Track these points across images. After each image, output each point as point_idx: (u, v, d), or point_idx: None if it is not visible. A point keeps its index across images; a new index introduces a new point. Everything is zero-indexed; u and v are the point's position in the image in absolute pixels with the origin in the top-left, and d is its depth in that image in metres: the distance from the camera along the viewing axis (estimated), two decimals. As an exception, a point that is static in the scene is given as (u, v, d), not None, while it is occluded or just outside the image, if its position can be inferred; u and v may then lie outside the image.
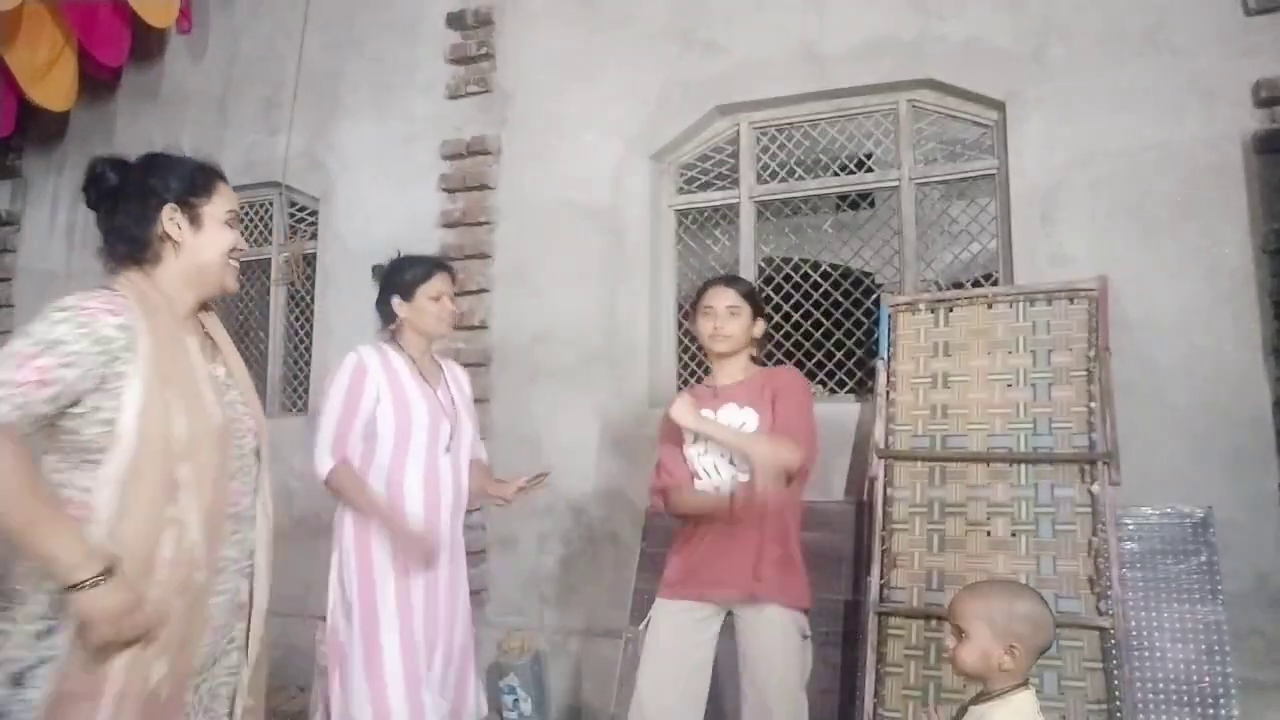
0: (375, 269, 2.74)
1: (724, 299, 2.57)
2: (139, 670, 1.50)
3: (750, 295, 2.62)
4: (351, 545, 2.50)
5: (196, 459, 1.57)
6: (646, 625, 2.55)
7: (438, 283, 2.65)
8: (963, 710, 1.79)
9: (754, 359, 2.66)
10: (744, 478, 2.44)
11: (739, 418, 2.51)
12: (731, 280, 2.68)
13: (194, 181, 1.74)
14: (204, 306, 1.79)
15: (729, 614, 2.48)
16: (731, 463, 2.50)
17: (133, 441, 1.51)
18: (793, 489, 2.48)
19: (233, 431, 1.69)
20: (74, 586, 1.41)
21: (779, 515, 2.43)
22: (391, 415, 2.52)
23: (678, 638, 2.47)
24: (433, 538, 2.48)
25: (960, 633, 1.72)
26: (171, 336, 1.63)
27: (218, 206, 1.74)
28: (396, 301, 2.64)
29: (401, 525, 2.46)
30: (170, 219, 1.69)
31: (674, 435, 2.60)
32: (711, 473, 2.53)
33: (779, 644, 2.39)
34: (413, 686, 2.40)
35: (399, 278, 2.65)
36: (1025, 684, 1.72)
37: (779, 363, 3.72)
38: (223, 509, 1.63)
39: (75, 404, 1.51)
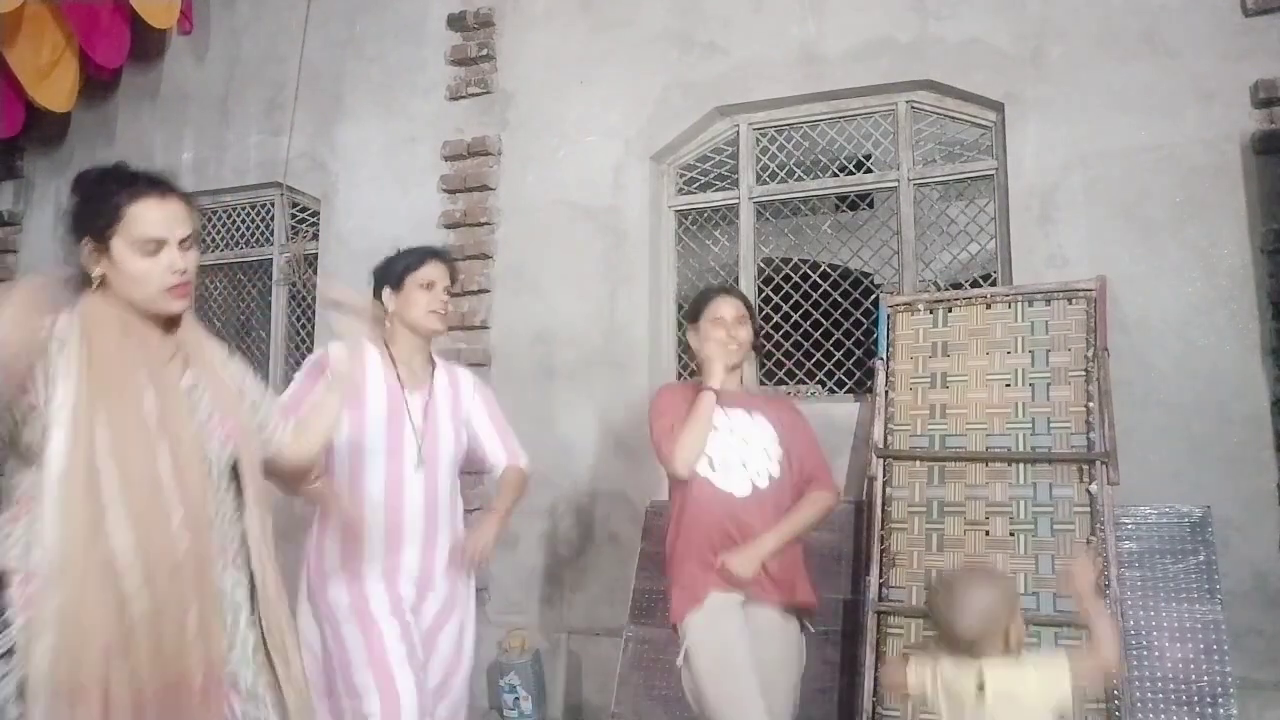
0: (373, 272, 2.57)
1: (734, 309, 2.57)
2: (115, 664, 1.47)
3: (751, 306, 2.66)
4: (314, 560, 2.35)
5: (124, 464, 1.52)
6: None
7: (430, 270, 2.46)
8: None
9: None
10: (761, 483, 2.42)
11: (754, 425, 2.49)
12: (735, 290, 2.71)
13: (95, 209, 1.60)
14: (176, 319, 1.70)
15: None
16: (745, 465, 2.43)
17: (62, 445, 1.49)
18: None
19: (188, 438, 1.62)
20: None
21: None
22: (345, 421, 2.27)
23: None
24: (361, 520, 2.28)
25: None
26: (113, 348, 1.57)
27: (127, 235, 1.58)
28: (387, 293, 2.45)
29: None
30: (88, 254, 1.60)
31: (676, 410, 2.50)
32: (723, 467, 2.42)
33: None
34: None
35: (391, 269, 2.49)
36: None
37: (778, 363, 3.74)
38: (160, 512, 1.55)
39: (20, 408, 1.50)
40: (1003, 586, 1.92)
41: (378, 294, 2.48)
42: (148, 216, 1.60)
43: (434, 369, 2.55)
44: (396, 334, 2.47)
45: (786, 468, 2.48)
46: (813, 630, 2.53)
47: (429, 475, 2.41)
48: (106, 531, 1.48)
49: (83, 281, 1.62)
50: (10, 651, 1.44)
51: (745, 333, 2.57)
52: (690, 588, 2.39)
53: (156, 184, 1.65)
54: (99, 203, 1.60)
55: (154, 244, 1.60)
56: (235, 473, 1.72)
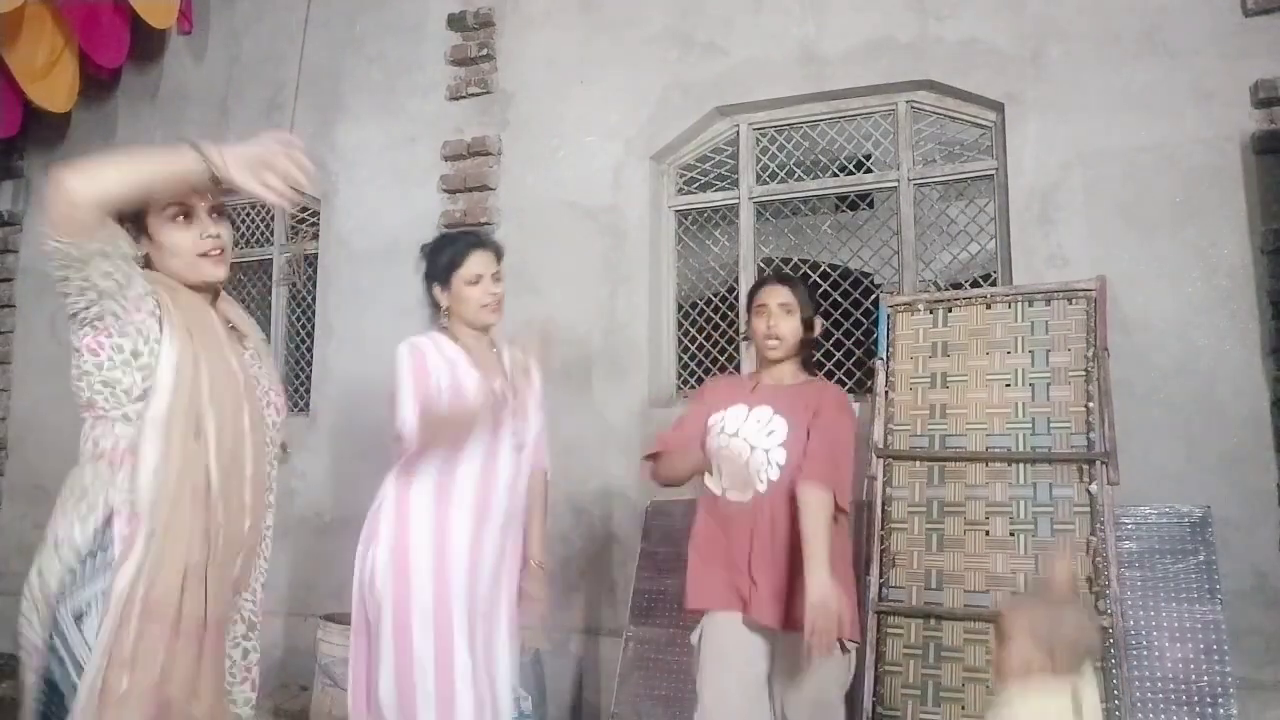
0: (422, 249, 2.52)
1: (777, 296, 2.48)
2: (181, 598, 1.60)
3: (804, 294, 2.52)
4: (391, 540, 2.30)
5: (220, 410, 1.68)
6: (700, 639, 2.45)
7: (474, 264, 2.40)
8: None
9: (805, 365, 2.56)
10: (760, 488, 2.37)
11: (769, 425, 2.42)
12: (785, 278, 2.58)
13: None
14: (216, 295, 1.85)
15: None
16: (747, 467, 2.38)
17: (169, 389, 1.64)
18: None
19: (258, 402, 1.78)
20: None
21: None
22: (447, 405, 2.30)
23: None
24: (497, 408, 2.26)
25: (1004, 639, 1.77)
26: (194, 305, 1.74)
27: (157, 206, 1.73)
28: (437, 290, 2.43)
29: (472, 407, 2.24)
30: (135, 239, 1.75)
31: (703, 409, 2.51)
32: (740, 471, 2.39)
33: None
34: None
35: (436, 262, 2.43)
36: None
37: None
38: (242, 460, 1.71)
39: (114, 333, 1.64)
40: None
41: (429, 288, 2.46)
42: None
43: (502, 355, 2.53)
44: (456, 329, 2.44)
45: (787, 469, 2.39)
46: (848, 649, 2.36)
47: (518, 460, 2.42)
48: (206, 465, 1.64)
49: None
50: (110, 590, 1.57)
51: (789, 325, 2.46)
52: (695, 585, 2.42)
53: None
54: None
55: (181, 210, 1.73)
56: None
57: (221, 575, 1.67)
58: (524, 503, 2.48)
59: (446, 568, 2.29)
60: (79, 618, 1.57)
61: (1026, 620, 1.76)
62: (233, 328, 1.85)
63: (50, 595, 1.59)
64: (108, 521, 1.60)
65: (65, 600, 1.58)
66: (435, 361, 2.35)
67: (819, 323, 2.57)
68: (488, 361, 2.46)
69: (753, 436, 2.43)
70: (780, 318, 2.47)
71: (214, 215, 1.77)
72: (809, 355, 2.59)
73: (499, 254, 2.48)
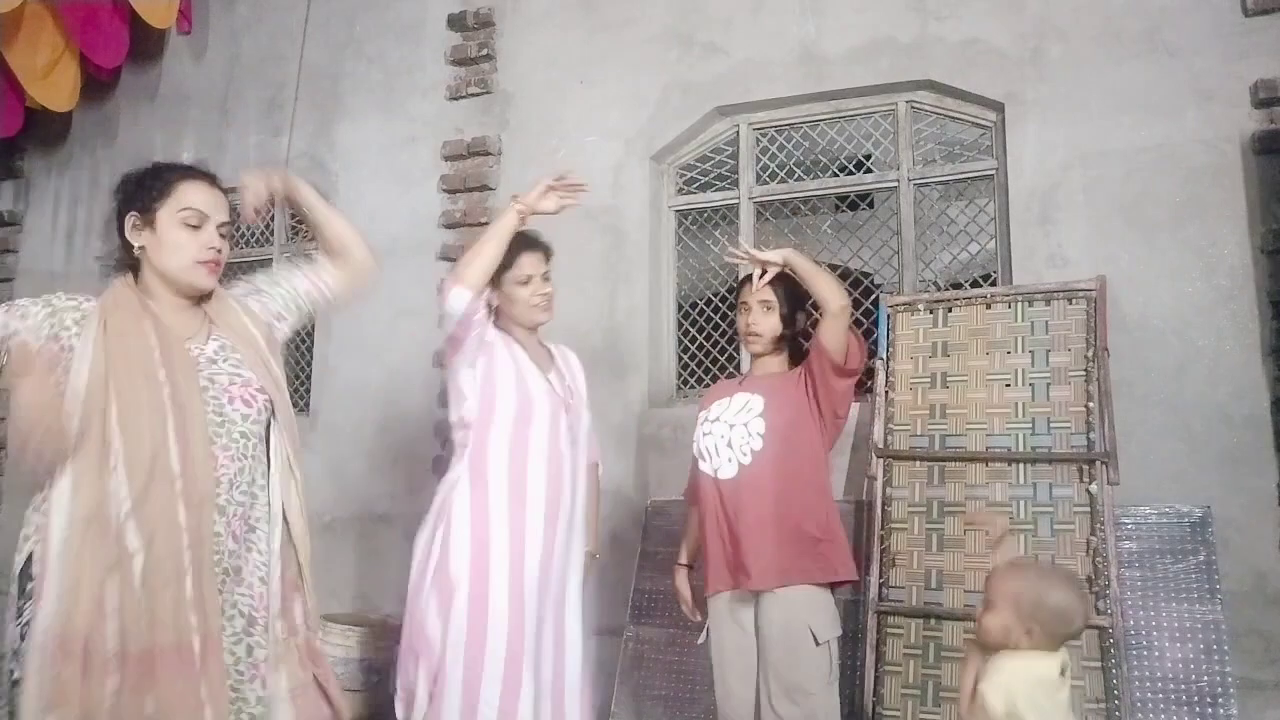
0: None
1: (756, 295, 2.55)
2: (99, 622, 1.56)
3: (786, 291, 2.54)
4: (467, 530, 2.30)
5: (130, 432, 1.63)
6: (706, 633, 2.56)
7: (525, 264, 2.45)
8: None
9: (795, 358, 2.61)
10: (744, 460, 2.44)
11: (748, 404, 2.50)
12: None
13: (146, 185, 1.77)
14: (204, 296, 1.84)
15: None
16: (730, 445, 2.48)
17: (77, 421, 1.61)
18: (816, 457, 2.50)
19: (197, 413, 1.70)
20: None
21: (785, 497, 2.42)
22: (513, 397, 2.36)
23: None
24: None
25: (990, 604, 1.80)
26: (128, 326, 1.71)
27: (173, 207, 1.75)
28: (488, 292, 2.43)
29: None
30: (132, 227, 1.77)
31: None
32: (711, 455, 2.52)
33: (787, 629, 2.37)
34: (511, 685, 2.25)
35: None
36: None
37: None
38: (169, 475, 1.64)
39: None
40: None
41: None
42: (194, 193, 1.78)
43: (552, 352, 2.60)
44: (507, 328, 2.49)
45: (769, 439, 2.44)
46: (819, 643, 2.36)
47: (574, 454, 2.46)
48: (108, 493, 1.59)
49: (119, 263, 1.81)
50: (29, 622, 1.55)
51: (767, 322, 2.54)
52: (708, 571, 2.50)
53: (205, 173, 1.86)
54: (152, 180, 1.77)
55: (196, 216, 1.77)
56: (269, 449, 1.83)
57: (156, 601, 1.59)
58: (584, 496, 2.53)
59: (523, 574, 2.30)
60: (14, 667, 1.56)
61: (1012, 591, 1.78)
62: (211, 338, 1.81)
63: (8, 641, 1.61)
64: (26, 566, 1.60)
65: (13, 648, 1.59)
66: (502, 354, 2.41)
67: (801, 318, 2.61)
68: (541, 359, 2.52)
69: (731, 416, 2.52)
70: (759, 314, 2.54)
71: (222, 232, 1.81)
72: (797, 349, 2.63)
73: (549, 254, 2.54)
